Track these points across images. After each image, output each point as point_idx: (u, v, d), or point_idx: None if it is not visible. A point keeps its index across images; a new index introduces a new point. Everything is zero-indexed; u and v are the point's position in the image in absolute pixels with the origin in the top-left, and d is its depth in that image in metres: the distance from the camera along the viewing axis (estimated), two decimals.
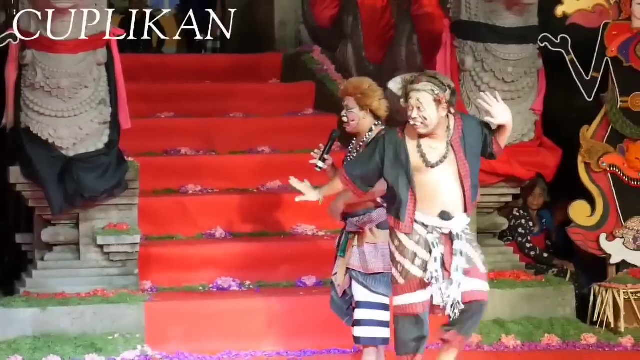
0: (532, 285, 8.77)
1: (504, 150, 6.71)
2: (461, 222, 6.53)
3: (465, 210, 6.54)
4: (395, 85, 6.64)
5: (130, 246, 8.32)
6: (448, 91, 6.47)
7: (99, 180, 8.19)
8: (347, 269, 7.35)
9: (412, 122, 6.48)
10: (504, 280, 8.75)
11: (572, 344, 8.43)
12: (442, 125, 6.48)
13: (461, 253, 6.47)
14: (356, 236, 7.38)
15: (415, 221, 6.52)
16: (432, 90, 6.44)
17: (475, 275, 6.51)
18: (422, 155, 6.50)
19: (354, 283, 7.35)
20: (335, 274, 7.44)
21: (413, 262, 6.49)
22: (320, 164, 7.38)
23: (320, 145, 7.44)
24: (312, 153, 7.40)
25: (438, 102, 6.42)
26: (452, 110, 6.52)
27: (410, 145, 6.56)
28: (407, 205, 6.50)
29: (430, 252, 6.46)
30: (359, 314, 7.32)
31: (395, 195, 6.53)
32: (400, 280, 6.54)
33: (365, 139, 7.40)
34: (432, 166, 6.47)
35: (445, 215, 6.46)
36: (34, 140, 8.13)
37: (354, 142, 7.53)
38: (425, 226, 6.52)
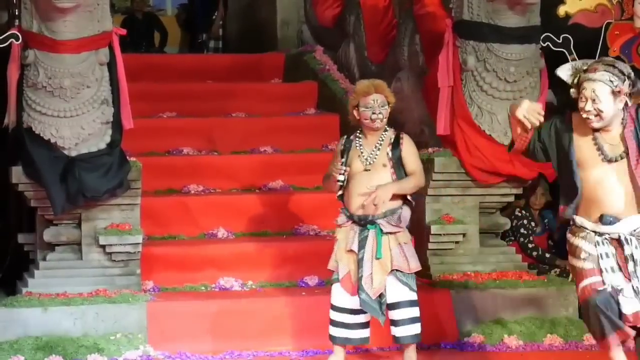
0: (534, 286, 8.76)
1: None
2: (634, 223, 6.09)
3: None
4: (565, 72, 6.19)
5: (132, 246, 8.31)
6: (627, 82, 5.99)
7: (101, 180, 8.19)
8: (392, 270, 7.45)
9: (584, 115, 6.02)
10: (506, 280, 8.77)
11: (575, 344, 8.42)
12: (617, 118, 6.06)
13: (633, 259, 6.08)
14: (389, 236, 7.47)
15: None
16: (611, 81, 5.97)
17: None
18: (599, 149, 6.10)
19: (395, 283, 7.45)
20: (361, 276, 7.47)
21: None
22: (342, 177, 7.47)
23: (342, 161, 7.51)
24: (336, 172, 7.50)
25: (616, 94, 5.97)
26: (629, 103, 6.04)
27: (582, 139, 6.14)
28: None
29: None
30: (405, 313, 7.53)
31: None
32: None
33: (382, 138, 7.55)
34: (610, 161, 6.06)
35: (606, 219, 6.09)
36: (36, 140, 8.12)
37: (359, 139, 7.58)
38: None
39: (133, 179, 8.35)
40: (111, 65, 8.24)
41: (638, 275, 6.03)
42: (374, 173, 7.54)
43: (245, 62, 12.04)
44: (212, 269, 8.77)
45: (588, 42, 8.92)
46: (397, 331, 7.55)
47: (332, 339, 7.64)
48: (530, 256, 9.53)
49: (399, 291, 7.51)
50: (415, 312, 7.54)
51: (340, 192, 7.64)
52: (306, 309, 8.16)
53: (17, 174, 8.21)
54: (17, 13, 8.41)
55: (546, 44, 8.81)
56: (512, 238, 9.66)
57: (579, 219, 6.19)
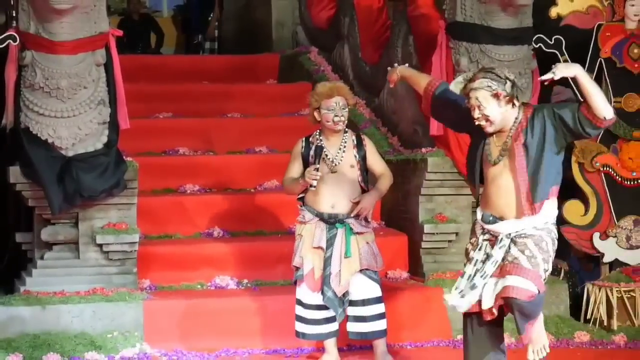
0: None
1: (607, 120, 6.09)
2: (511, 226, 6.30)
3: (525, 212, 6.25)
4: (456, 86, 6.40)
5: (129, 245, 8.32)
6: (508, 83, 6.18)
7: (98, 180, 8.19)
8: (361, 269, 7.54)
9: (476, 122, 6.24)
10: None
11: (566, 342, 8.45)
12: (509, 120, 6.23)
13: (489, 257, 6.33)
14: (357, 236, 7.55)
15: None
16: (489, 87, 6.17)
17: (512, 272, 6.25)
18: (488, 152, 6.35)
19: (365, 280, 7.53)
20: (329, 273, 7.54)
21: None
22: (315, 183, 7.54)
23: (316, 166, 7.54)
24: (310, 177, 7.51)
25: (496, 96, 6.16)
26: (517, 102, 6.23)
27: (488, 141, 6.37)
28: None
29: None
30: (377, 308, 7.64)
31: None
32: None
33: (345, 139, 7.62)
34: (494, 163, 6.28)
35: (489, 219, 6.32)
36: (34, 140, 8.13)
37: (319, 140, 7.64)
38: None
39: (130, 179, 8.35)
40: (108, 66, 8.24)
41: (482, 272, 6.30)
42: (340, 174, 7.63)
43: (240, 63, 12.06)
44: (208, 267, 8.77)
45: (580, 44, 8.92)
46: (364, 327, 7.62)
47: (302, 335, 7.74)
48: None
49: (368, 288, 7.59)
50: (382, 307, 7.64)
51: (302, 194, 7.72)
52: None
53: (14, 173, 8.21)
54: (14, 14, 8.41)
55: (538, 45, 8.81)
56: None
57: (477, 211, 6.48)
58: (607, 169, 8.98)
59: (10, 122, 8.29)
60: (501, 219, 6.29)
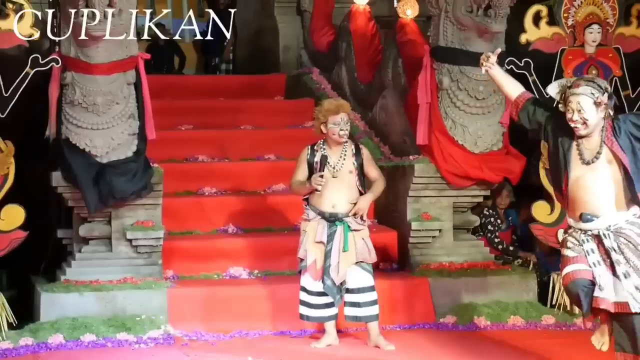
0: (500, 274, 8.80)
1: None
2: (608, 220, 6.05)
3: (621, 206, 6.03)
4: (553, 89, 6.27)
5: (155, 240, 8.34)
6: (606, 94, 6.07)
7: (129, 184, 8.21)
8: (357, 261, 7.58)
9: (572, 125, 6.07)
10: (476, 269, 8.81)
11: (534, 324, 8.45)
12: (599, 126, 6.08)
13: (615, 250, 6.04)
14: (354, 232, 7.58)
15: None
16: (592, 94, 6.03)
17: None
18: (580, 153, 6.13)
19: (360, 271, 7.56)
20: (329, 265, 7.57)
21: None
22: (320, 187, 7.55)
23: (321, 173, 7.58)
24: (316, 183, 7.55)
25: (598, 104, 6.03)
26: (611, 112, 6.11)
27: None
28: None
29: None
30: (370, 295, 7.66)
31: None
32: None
33: (345, 148, 7.65)
34: (588, 163, 6.09)
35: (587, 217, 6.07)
36: (73, 149, 8.15)
37: (323, 149, 7.67)
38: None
39: (156, 183, 8.38)
40: (137, 85, 8.26)
41: (621, 262, 6.00)
42: (340, 179, 7.66)
43: (252, 82, 12.03)
44: (224, 259, 8.77)
45: (546, 66, 8.88)
46: (359, 311, 7.67)
47: (305, 318, 7.76)
48: (497, 249, 9.52)
49: (363, 278, 7.63)
50: (375, 295, 7.67)
51: (306, 196, 7.76)
52: None
53: (56, 178, 8.24)
54: (57, 40, 8.46)
55: (510, 66, 8.74)
56: (481, 233, 9.66)
57: (568, 219, 6.25)
58: None
59: (53, 134, 8.31)
60: (595, 216, 6.09)
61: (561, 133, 6.20)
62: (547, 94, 8.70)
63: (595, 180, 6.10)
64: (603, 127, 6.09)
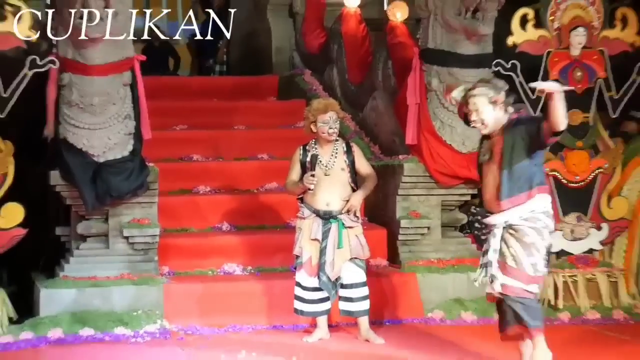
0: None
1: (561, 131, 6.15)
2: (500, 218, 6.34)
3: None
4: (458, 93, 6.48)
5: (151, 237, 8.37)
6: (502, 92, 6.27)
7: (125, 182, 8.24)
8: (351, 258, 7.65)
9: (472, 125, 6.33)
10: (463, 265, 8.82)
11: None
12: (500, 124, 6.30)
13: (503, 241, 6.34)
14: (348, 230, 7.65)
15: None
16: (487, 94, 6.26)
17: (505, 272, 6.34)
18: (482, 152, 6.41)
19: (353, 268, 7.62)
20: (324, 261, 7.64)
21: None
22: (312, 186, 7.60)
23: (312, 173, 7.64)
24: (308, 182, 7.61)
25: (494, 103, 6.23)
26: (510, 110, 6.30)
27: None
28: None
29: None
30: (362, 291, 7.73)
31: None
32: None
33: (336, 147, 7.71)
34: (482, 163, 6.39)
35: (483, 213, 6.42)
36: (71, 149, 8.18)
37: (315, 149, 7.73)
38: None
39: (151, 181, 8.40)
40: (133, 86, 8.27)
41: (504, 251, 6.34)
42: (333, 177, 7.71)
43: (245, 83, 12.03)
44: (218, 256, 8.79)
45: (532, 67, 8.90)
46: (352, 306, 7.73)
47: (300, 312, 7.81)
48: (481, 245, 9.56)
49: (356, 274, 7.71)
50: (366, 290, 7.73)
51: (301, 195, 7.82)
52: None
53: (55, 177, 8.26)
54: (54, 42, 8.46)
55: (497, 68, 8.78)
56: (468, 230, 9.60)
57: None
58: (555, 173, 8.96)
59: (51, 134, 8.31)
60: (490, 212, 6.39)
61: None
62: (533, 95, 8.90)
63: (489, 178, 6.36)
64: (504, 125, 6.28)
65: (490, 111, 6.26)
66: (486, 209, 6.41)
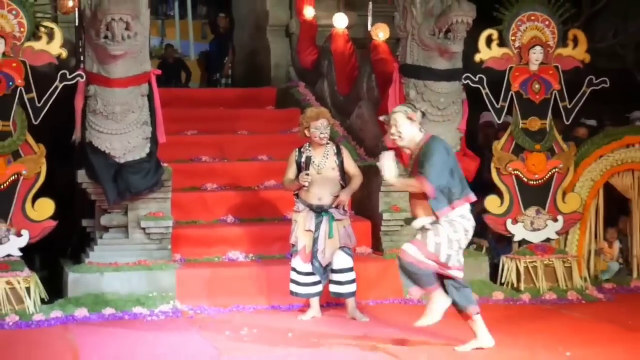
0: None
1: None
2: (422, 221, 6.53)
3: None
4: (384, 117, 6.79)
5: (165, 228, 8.35)
6: (419, 113, 6.53)
7: (142, 180, 8.23)
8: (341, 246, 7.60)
9: (391, 137, 6.50)
10: None
11: (486, 299, 8.50)
12: (415, 140, 6.49)
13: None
14: (337, 222, 7.63)
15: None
16: (405, 111, 6.49)
17: None
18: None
19: (342, 255, 7.60)
20: (317, 250, 7.61)
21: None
22: (307, 183, 7.58)
23: (306, 172, 7.62)
24: (302, 180, 7.60)
25: (410, 119, 6.43)
26: (422, 130, 6.52)
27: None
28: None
29: None
30: (350, 275, 7.70)
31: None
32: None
33: (327, 149, 7.68)
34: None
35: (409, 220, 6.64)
36: (95, 151, 8.16)
37: (308, 151, 7.70)
38: None
39: (165, 179, 8.38)
40: (150, 97, 8.26)
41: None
42: (324, 176, 7.71)
43: (247, 94, 11.99)
44: (223, 245, 8.77)
45: (497, 81, 8.91)
46: (341, 288, 7.72)
47: (295, 294, 7.80)
48: None
49: (344, 260, 7.70)
50: (354, 275, 7.72)
51: (296, 191, 7.79)
52: None
53: (81, 175, 8.25)
54: (82, 58, 8.45)
55: (466, 81, 8.80)
56: None
57: None
58: (517, 172, 8.96)
59: (78, 138, 8.33)
60: (414, 217, 6.58)
61: None
62: (497, 104, 8.89)
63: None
64: (419, 143, 6.49)
65: (407, 125, 6.46)
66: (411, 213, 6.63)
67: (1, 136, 7.95)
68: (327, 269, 7.70)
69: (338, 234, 7.68)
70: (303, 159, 7.71)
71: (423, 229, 6.53)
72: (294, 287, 7.79)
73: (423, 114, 6.62)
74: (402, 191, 7.05)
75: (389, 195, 8.98)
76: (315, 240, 7.67)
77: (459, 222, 6.51)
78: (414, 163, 6.52)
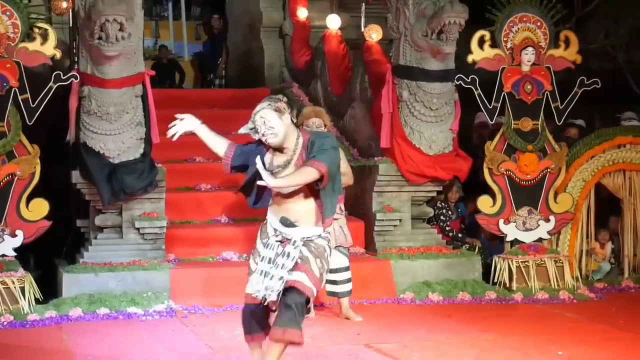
0: (450, 257, 8.85)
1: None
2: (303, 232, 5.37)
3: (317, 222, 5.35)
4: (243, 129, 5.73)
5: (159, 228, 8.35)
6: (284, 99, 5.44)
7: (137, 181, 8.22)
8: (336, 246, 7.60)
9: (263, 138, 5.42)
10: (430, 253, 8.84)
11: (479, 299, 8.53)
12: (291, 137, 5.39)
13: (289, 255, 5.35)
14: (334, 221, 7.61)
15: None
16: (269, 104, 5.41)
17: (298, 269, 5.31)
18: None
19: (338, 254, 7.61)
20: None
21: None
22: None
23: None
24: None
25: (278, 110, 5.37)
26: (294, 120, 5.45)
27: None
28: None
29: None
30: (345, 274, 7.69)
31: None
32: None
33: None
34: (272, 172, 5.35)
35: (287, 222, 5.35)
36: (90, 152, 8.15)
37: None
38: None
39: (159, 180, 8.38)
40: (144, 97, 8.26)
41: (277, 266, 5.39)
42: None
43: (241, 95, 11.93)
44: (217, 245, 8.76)
45: (489, 81, 8.91)
46: (337, 288, 7.70)
47: None
48: (448, 236, 9.55)
49: (340, 259, 7.67)
50: (349, 274, 7.70)
51: None
52: None
53: (76, 176, 8.24)
54: (76, 59, 8.46)
55: (459, 82, 8.80)
56: (435, 222, 9.65)
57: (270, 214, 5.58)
58: (509, 172, 8.97)
59: (73, 138, 8.32)
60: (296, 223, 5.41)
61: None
62: (489, 105, 8.91)
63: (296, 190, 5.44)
64: (297, 139, 5.41)
65: (277, 118, 5.35)
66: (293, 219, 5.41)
67: None
68: None
69: (334, 234, 7.65)
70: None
71: (306, 245, 5.37)
72: None
73: (288, 102, 5.41)
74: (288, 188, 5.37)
75: (382, 196, 8.99)
76: None
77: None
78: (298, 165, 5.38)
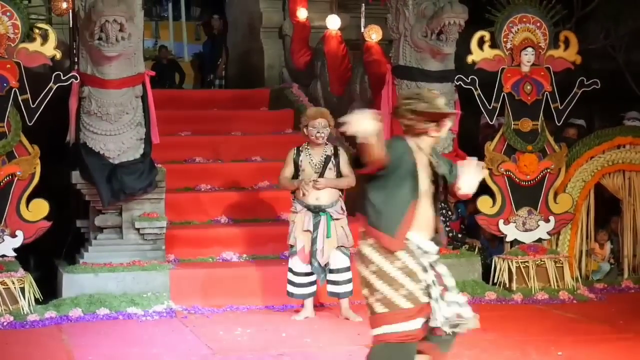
0: (450, 257, 8.78)
1: None
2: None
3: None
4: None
5: (159, 229, 8.34)
6: None
7: (136, 181, 8.22)
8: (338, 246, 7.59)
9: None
10: None
11: (479, 299, 8.52)
12: None
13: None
14: (335, 221, 7.62)
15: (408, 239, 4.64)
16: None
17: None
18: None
19: (340, 255, 7.58)
20: (315, 249, 7.60)
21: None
22: (307, 193, 7.66)
23: (311, 184, 7.64)
24: (304, 189, 7.62)
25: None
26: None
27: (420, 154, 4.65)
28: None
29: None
30: (347, 275, 7.69)
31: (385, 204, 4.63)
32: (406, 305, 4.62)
33: (325, 150, 7.69)
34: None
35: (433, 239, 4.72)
36: (90, 152, 8.15)
37: (307, 150, 7.70)
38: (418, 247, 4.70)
39: (159, 180, 8.37)
40: (144, 98, 8.25)
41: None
42: (321, 175, 7.70)
43: (241, 95, 12.01)
44: (217, 245, 8.76)
45: (489, 82, 8.91)
46: (338, 288, 7.71)
47: (291, 295, 7.79)
48: (448, 236, 9.53)
49: (342, 260, 7.68)
50: (351, 274, 7.68)
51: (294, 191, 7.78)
52: (286, 275, 8.16)
53: (76, 176, 8.24)
54: (76, 60, 8.46)
55: (459, 82, 8.81)
56: None
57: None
58: (509, 173, 8.96)
59: (73, 139, 8.31)
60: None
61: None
62: (489, 105, 8.91)
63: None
64: None
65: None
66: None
67: None
68: (325, 269, 7.69)
69: (336, 234, 7.66)
70: (302, 158, 7.68)
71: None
72: (290, 288, 7.78)
73: None
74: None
75: None
76: (313, 241, 7.66)
77: None
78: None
